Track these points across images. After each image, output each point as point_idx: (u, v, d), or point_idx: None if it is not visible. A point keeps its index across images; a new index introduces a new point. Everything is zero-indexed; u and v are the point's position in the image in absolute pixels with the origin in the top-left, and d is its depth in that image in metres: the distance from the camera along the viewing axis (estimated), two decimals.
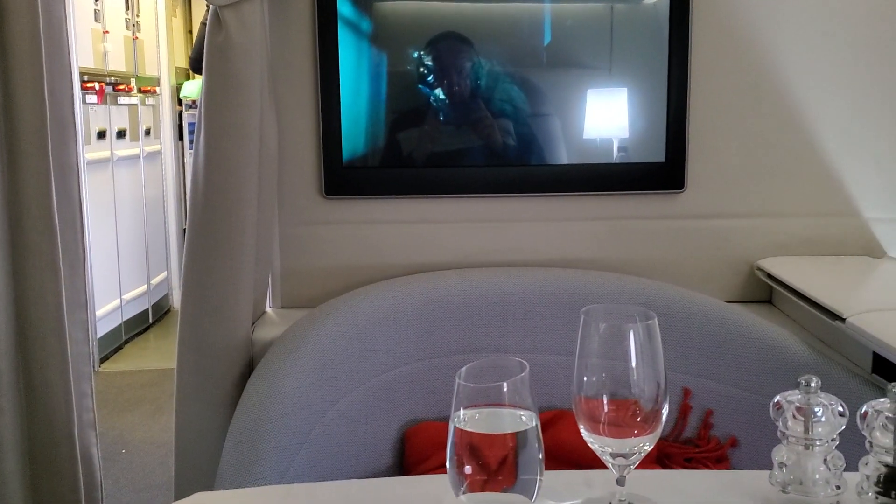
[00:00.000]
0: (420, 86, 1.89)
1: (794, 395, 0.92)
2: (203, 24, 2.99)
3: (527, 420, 0.84)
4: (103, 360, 4.56)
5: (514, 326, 1.72)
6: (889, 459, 0.88)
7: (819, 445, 0.90)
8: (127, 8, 5.00)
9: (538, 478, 0.84)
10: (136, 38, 5.15)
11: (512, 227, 1.94)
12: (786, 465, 0.92)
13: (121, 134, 4.82)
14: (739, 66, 1.89)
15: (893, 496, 0.87)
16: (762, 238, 1.93)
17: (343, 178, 1.90)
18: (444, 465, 0.85)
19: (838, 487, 0.91)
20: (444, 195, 1.93)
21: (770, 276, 1.84)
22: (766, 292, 1.94)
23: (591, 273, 1.83)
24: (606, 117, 1.92)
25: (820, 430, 0.90)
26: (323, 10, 1.83)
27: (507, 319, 1.72)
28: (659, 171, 1.91)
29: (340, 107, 1.86)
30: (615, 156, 1.93)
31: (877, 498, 0.88)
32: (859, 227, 1.93)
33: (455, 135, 1.92)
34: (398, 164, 1.93)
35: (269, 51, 1.75)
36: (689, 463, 1.63)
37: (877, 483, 0.88)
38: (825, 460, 0.91)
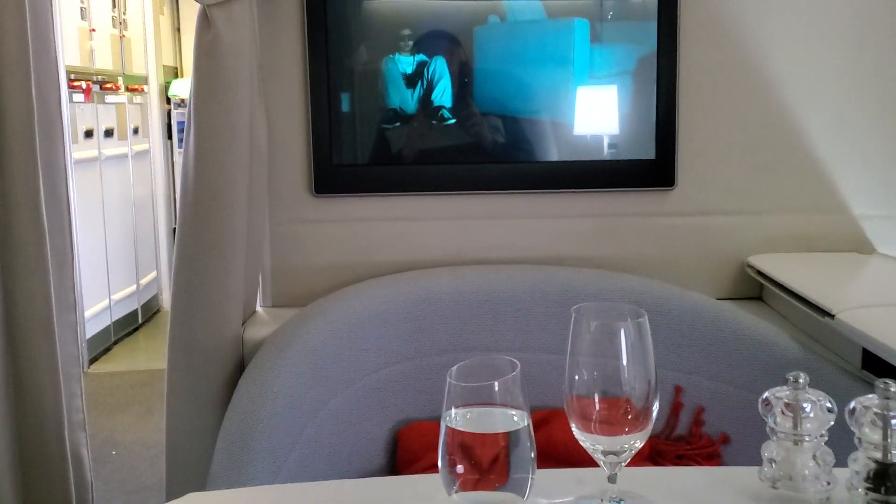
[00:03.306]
0: (409, 84, 1.89)
1: (783, 392, 0.92)
2: None
3: (518, 419, 0.84)
4: (92, 361, 4.54)
5: (505, 324, 1.72)
6: (878, 455, 0.88)
7: (808, 441, 0.91)
8: (114, 6, 4.98)
9: (530, 476, 0.85)
10: (123, 35, 5.13)
11: (502, 225, 1.94)
12: (775, 461, 0.93)
13: (108, 133, 4.80)
14: (728, 64, 1.89)
15: (883, 491, 0.88)
16: (752, 235, 1.94)
17: (333, 177, 1.89)
18: (436, 466, 0.85)
19: (828, 483, 0.91)
20: (435, 192, 1.93)
21: (760, 273, 1.85)
22: (756, 289, 1.95)
23: (582, 271, 1.83)
24: (596, 114, 1.92)
25: (808, 425, 0.91)
26: (312, 7, 1.83)
27: (498, 317, 1.72)
28: (649, 169, 1.91)
29: (330, 105, 1.86)
30: (605, 153, 1.94)
31: (866, 493, 0.89)
32: (848, 224, 1.93)
33: (444, 132, 1.92)
34: (388, 161, 1.93)
35: (258, 49, 1.75)
36: (681, 460, 1.63)
37: (866, 479, 0.89)
38: (814, 456, 0.91)
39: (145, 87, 5.50)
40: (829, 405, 0.91)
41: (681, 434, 1.68)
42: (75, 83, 4.34)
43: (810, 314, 1.58)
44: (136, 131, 5.26)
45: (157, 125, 5.65)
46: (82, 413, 1.78)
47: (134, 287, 5.15)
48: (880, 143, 1.91)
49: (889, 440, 0.87)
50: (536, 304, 1.73)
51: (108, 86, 4.81)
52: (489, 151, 1.93)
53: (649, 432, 0.89)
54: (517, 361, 0.84)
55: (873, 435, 0.88)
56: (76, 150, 4.28)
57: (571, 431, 0.91)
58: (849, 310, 1.48)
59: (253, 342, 1.73)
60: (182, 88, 5.74)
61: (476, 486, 0.84)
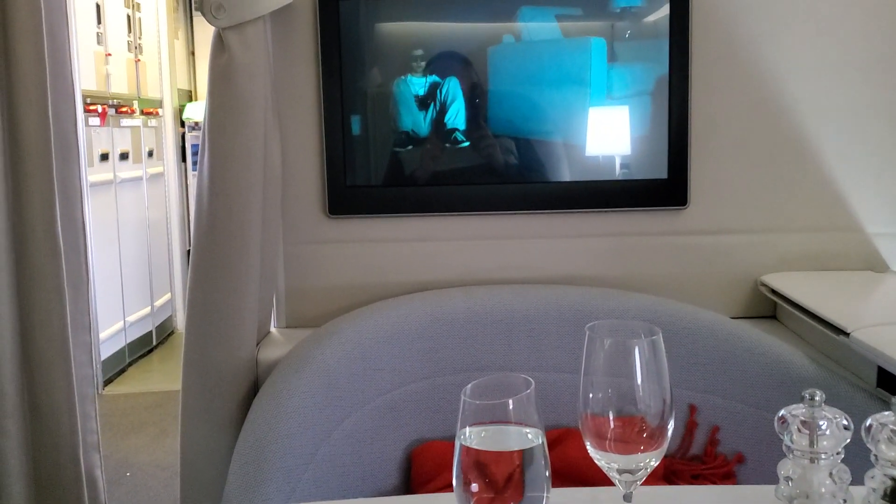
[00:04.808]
0: (421, 106, 1.90)
1: (799, 409, 0.92)
2: None
3: (533, 437, 0.84)
4: (107, 382, 4.55)
5: (519, 344, 1.72)
6: (895, 472, 0.87)
7: (824, 459, 0.90)
8: (129, 31, 5.03)
9: (545, 495, 0.84)
10: (139, 60, 5.18)
11: (516, 245, 1.94)
12: (791, 479, 0.92)
13: (123, 156, 4.84)
14: (740, 83, 1.89)
15: None
16: (765, 253, 1.94)
17: (347, 198, 1.90)
18: (451, 485, 0.85)
19: (845, 501, 0.90)
20: (448, 213, 1.93)
21: (774, 292, 1.84)
22: (770, 308, 1.94)
23: (596, 290, 1.83)
24: (608, 135, 1.93)
25: (825, 443, 0.90)
26: (326, 30, 1.84)
27: (512, 337, 1.72)
28: (662, 188, 1.92)
29: (343, 127, 1.87)
30: (618, 173, 1.94)
31: None
32: (862, 242, 1.93)
33: (457, 154, 1.93)
34: (401, 182, 1.94)
35: (272, 72, 1.76)
36: (696, 479, 1.63)
37: (883, 496, 0.88)
38: (831, 474, 0.90)
39: (160, 111, 5.54)
40: (845, 422, 0.91)
41: (695, 453, 1.68)
42: (91, 107, 4.38)
43: (825, 332, 1.57)
44: (150, 154, 5.30)
45: (171, 148, 5.68)
46: (97, 434, 1.79)
47: (148, 309, 5.16)
48: (893, 160, 1.91)
49: None
50: (550, 323, 1.73)
51: (124, 109, 4.86)
52: (502, 172, 1.93)
53: (664, 451, 0.89)
54: (531, 379, 0.84)
55: (890, 452, 0.88)
56: (92, 173, 4.32)
57: (586, 450, 0.91)
58: (863, 328, 1.47)
59: (267, 363, 1.74)
60: (196, 112, 5.78)
61: None
